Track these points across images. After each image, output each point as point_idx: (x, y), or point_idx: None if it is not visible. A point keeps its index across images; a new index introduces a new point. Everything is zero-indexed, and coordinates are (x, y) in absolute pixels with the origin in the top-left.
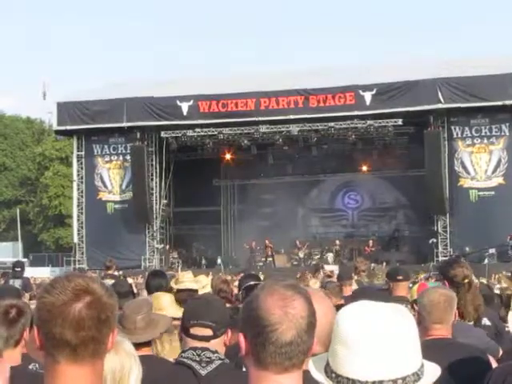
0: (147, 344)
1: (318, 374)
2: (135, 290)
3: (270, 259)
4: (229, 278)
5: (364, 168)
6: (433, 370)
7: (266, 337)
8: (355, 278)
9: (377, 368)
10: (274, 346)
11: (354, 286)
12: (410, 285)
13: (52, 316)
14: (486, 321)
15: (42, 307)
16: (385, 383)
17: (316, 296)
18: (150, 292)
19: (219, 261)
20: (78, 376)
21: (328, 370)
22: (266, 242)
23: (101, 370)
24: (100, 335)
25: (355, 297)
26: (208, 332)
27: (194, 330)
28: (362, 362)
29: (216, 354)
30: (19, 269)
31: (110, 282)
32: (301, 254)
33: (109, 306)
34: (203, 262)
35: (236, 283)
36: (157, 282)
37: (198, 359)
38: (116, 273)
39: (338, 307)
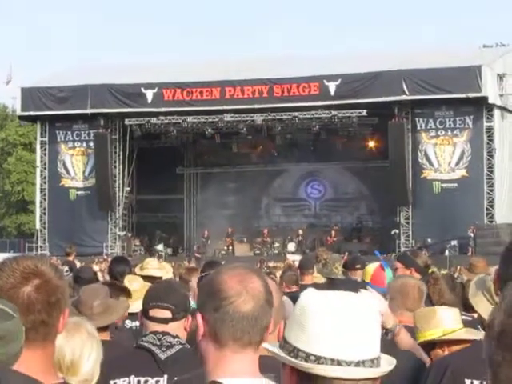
0: (104, 329)
1: (273, 348)
2: (101, 277)
3: (231, 248)
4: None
5: (327, 158)
6: (389, 359)
7: (225, 310)
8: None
9: (344, 347)
10: (233, 319)
11: (316, 275)
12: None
13: None
14: None
15: None
16: (354, 364)
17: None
18: (113, 278)
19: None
20: (29, 360)
21: (285, 346)
22: (229, 230)
23: (52, 353)
24: (50, 318)
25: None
26: (167, 314)
27: (154, 312)
28: (329, 341)
29: (177, 339)
30: None
31: (65, 268)
32: (262, 244)
33: (58, 288)
34: (164, 249)
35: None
36: (120, 268)
37: (158, 343)
38: (76, 259)
39: (293, 293)
